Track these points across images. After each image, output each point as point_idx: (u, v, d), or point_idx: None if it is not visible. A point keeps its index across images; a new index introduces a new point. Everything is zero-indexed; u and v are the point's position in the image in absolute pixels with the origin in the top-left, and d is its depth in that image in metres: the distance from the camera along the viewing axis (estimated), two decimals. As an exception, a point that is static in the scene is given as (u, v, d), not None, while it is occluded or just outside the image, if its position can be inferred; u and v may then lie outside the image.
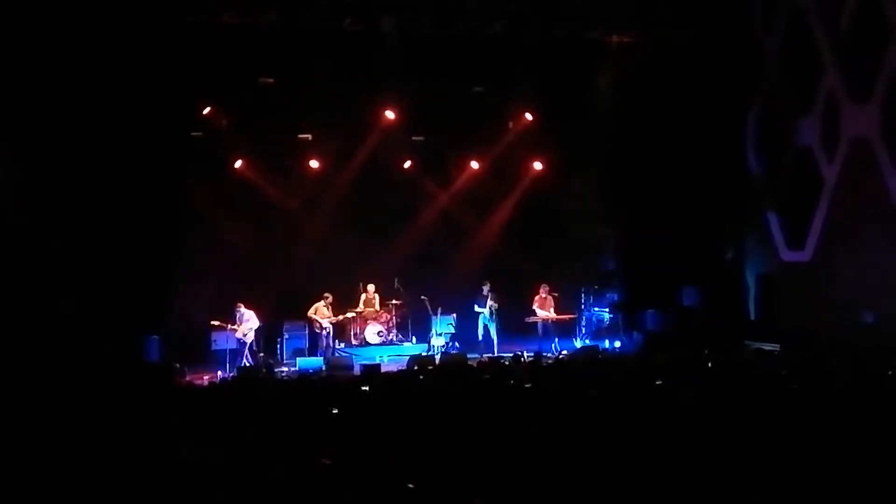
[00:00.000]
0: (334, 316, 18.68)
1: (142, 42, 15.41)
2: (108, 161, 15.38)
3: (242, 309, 17.55)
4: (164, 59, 15.77)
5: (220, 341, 17.65)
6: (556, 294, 19.54)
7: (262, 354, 17.97)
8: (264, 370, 16.15)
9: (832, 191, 17.24)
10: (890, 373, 10.84)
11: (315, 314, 18.50)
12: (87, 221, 15.26)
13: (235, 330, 17.43)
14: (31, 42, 14.55)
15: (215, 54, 16.77)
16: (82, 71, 14.94)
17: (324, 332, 18.51)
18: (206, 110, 18.10)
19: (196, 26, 16.37)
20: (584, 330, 20.42)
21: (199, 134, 18.07)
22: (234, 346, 17.50)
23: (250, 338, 17.59)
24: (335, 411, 9.15)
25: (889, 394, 9.33)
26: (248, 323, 17.54)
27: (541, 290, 19.44)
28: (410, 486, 6.37)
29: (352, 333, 19.30)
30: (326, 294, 18.63)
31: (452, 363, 16.26)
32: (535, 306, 19.36)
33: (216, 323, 17.45)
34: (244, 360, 17.34)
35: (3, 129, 14.86)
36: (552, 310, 19.40)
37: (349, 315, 18.95)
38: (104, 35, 15.04)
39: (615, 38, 18.91)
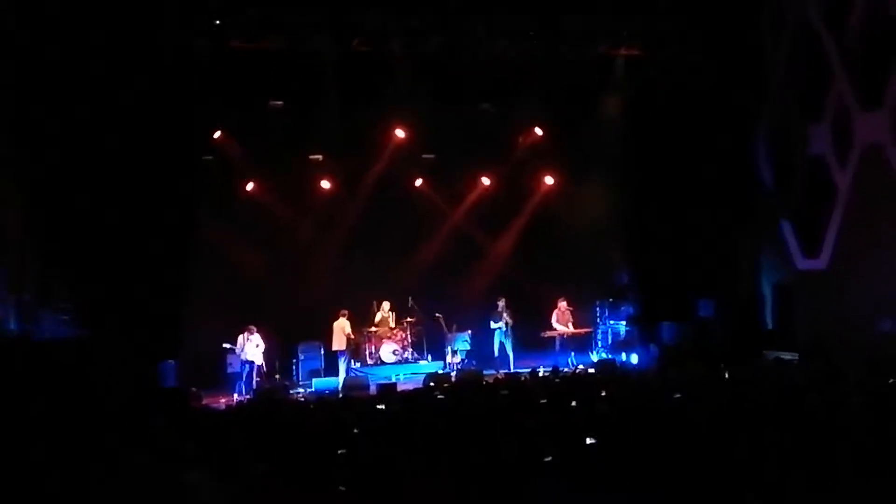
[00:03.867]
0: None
1: (152, 67, 15.53)
2: (120, 186, 15.48)
3: (247, 334, 17.50)
4: (174, 84, 15.88)
5: (235, 364, 17.67)
6: (572, 308, 19.52)
7: (277, 376, 17.98)
8: (280, 392, 16.16)
9: (846, 198, 17.15)
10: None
11: (348, 330, 18.61)
12: (100, 246, 15.33)
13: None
14: (41, 70, 14.65)
15: (225, 79, 16.88)
16: (92, 96, 15.05)
17: (350, 349, 18.66)
18: (217, 134, 18.22)
19: (205, 51, 16.49)
20: (600, 344, 20.36)
21: (211, 158, 18.18)
22: (240, 370, 17.50)
23: (258, 359, 17.57)
24: (355, 431, 9.11)
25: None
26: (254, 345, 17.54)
27: (559, 304, 19.41)
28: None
29: (367, 353, 19.28)
30: (344, 311, 18.69)
31: (469, 380, 16.21)
32: (553, 320, 19.33)
33: (227, 346, 17.53)
34: (251, 382, 17.32)
35: (16, 155, 14.95)
36: (570, 324, 19.37)
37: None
38: (114, 61, 15.14)
39: (623, 53, 18.95)
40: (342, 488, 6.84)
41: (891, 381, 10.80)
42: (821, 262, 17.81)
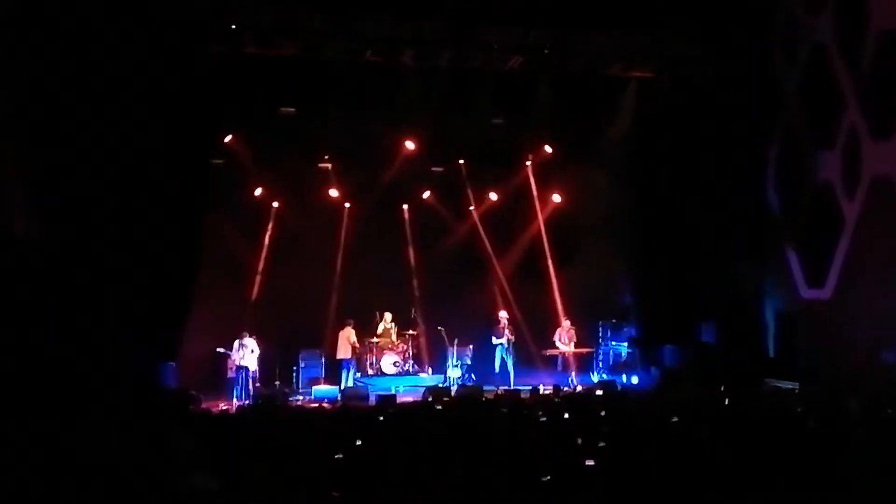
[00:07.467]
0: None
1: (165, 71, 15.58)
2: (128, 187, 15.50)
3: (241, 340, 17.51)
4: (187, 88, 15.93)
5: (234, 370, 17.64)
6: (575, 327, 19.51)
7: (277, 383, 17.97)
8: (280, 399, 16.16)
9: (853, 228, 17.11)
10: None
11: (353, 339, 18.65)
12: (107, 247, 15.34)
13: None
14: (53, 71, 14.70)
15: (238, 84, 16.94)
16: (105, 98, 15.10)
17: (355, 359, 18.67)
18: (228, 138, 18.27)
19: (219, 56, 16.56)
20: (601, 364, 20.32)
21: (221, 162, 18.21)
22: (236, 375, 17.48)
23: (253, 366, 17.54)
24: (358, 443, 9.08)
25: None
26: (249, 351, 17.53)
27: (563, 322, 19.41)
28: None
29: (367, 363, 19.28)
30: (350, 320, 18.71)
31: (468, 395, 16.17)
32: (556, 339, 19.31)
33: (221, 350, 17.54)
34: (245, 388, 17.29)
35: (23, 155, 14.99)
36: (572, 343, 19.34)
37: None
38: (128, 64, 15.19)
39: (634, 73, 18.98)
40: (335, 494, 6.84)
41: (890, 411, 10.76)
42: (825, 292, 17.75)
